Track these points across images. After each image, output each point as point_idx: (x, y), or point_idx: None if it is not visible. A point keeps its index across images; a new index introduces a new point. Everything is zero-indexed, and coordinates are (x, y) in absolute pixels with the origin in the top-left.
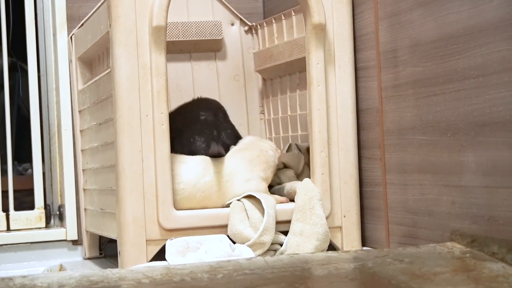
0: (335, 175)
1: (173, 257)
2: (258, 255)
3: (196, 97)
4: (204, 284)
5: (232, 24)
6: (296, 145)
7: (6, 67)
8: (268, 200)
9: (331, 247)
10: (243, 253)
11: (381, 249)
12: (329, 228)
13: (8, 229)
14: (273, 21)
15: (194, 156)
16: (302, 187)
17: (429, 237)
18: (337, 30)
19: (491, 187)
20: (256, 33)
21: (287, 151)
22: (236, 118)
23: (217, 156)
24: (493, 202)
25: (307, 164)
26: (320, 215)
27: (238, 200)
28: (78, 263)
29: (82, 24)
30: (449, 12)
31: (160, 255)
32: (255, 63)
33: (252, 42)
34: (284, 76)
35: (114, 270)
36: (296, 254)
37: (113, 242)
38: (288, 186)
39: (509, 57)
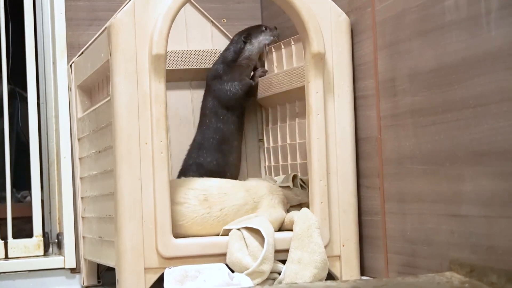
0: (334, 204)
1: (171, 286)
2: (257, 284)
3: None
4: None
5: None
6: (301, 179)
7: (6, 94)
8: (267, 228)
9: (330, 276)
10: (241, 282)
11: (379, 279)
12: (328, 257)
13: (7, 257)
14: (273, 50)
15: (231, 181)
16: (300, 216)
17: (428, 267)
18: (336, 59)
19: (490, 216)
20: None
21: (292, 182)
22: None
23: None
24: (492, 232)
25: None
26: (318, 243)
27: (237, 229)
28: None
29: (82, 52)
30: (447, 42)
31: (158, 284)
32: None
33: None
34: (284, 104)
35: None
36: (295, 283)
37: (111, 270)
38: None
39: (507, 87)
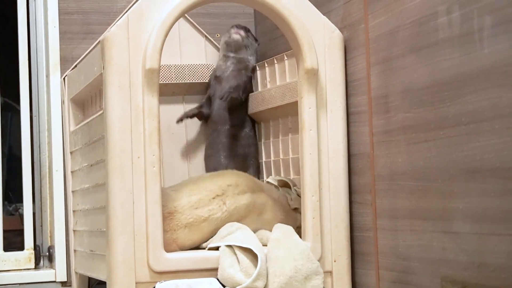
0: (326, 219)
1: None
2: None
3: None
4: None
5: None
6: (295, 189)
7: None
8: (257, 244)
9: None
10: None
11: None
12: None
13: None
14: (266, 65)
15: None
16: (277, 226)
17: (419, 283)
18: (329, 75)
19: (482, 233)
20: None
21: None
22: None
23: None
24: (484, 248)
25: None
26: (295, 240)
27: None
28: None
29: (75, 66)
30: (440, 59)
31: None
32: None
33: None
34: (276, 119)
35: None
36: None
37: (102, 284)
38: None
39: (499, 104)
